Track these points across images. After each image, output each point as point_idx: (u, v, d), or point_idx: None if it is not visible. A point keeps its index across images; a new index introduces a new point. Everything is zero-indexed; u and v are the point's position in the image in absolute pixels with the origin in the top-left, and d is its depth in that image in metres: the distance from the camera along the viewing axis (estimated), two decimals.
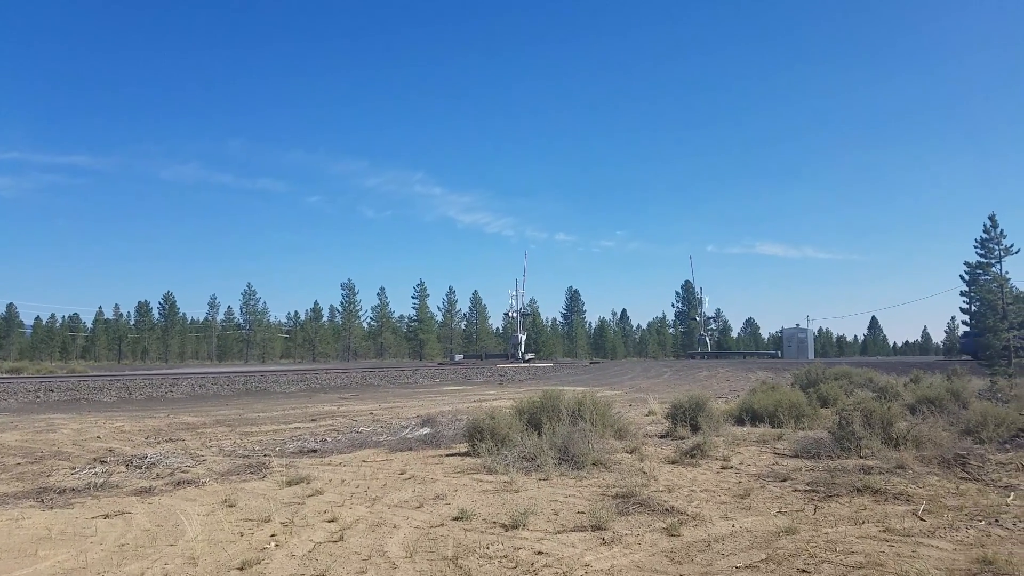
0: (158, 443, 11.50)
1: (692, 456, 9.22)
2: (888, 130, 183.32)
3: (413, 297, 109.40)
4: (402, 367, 57.72)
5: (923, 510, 6.31)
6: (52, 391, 24.62)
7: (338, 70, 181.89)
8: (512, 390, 27.31)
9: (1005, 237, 35.41)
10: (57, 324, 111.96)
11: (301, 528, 5.88)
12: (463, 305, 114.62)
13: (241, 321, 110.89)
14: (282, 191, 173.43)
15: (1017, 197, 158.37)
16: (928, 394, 14.22)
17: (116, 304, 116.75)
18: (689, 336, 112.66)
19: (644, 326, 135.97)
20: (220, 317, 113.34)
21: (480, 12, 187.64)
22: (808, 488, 7.36)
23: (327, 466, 9.06)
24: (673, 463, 8.97)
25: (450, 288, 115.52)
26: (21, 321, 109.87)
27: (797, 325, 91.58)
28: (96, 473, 8.52)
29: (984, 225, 36.06)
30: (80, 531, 5.89)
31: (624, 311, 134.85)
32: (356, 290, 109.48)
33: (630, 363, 69.22)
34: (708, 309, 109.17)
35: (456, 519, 6.13)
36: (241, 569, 4.79)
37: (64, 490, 7.56)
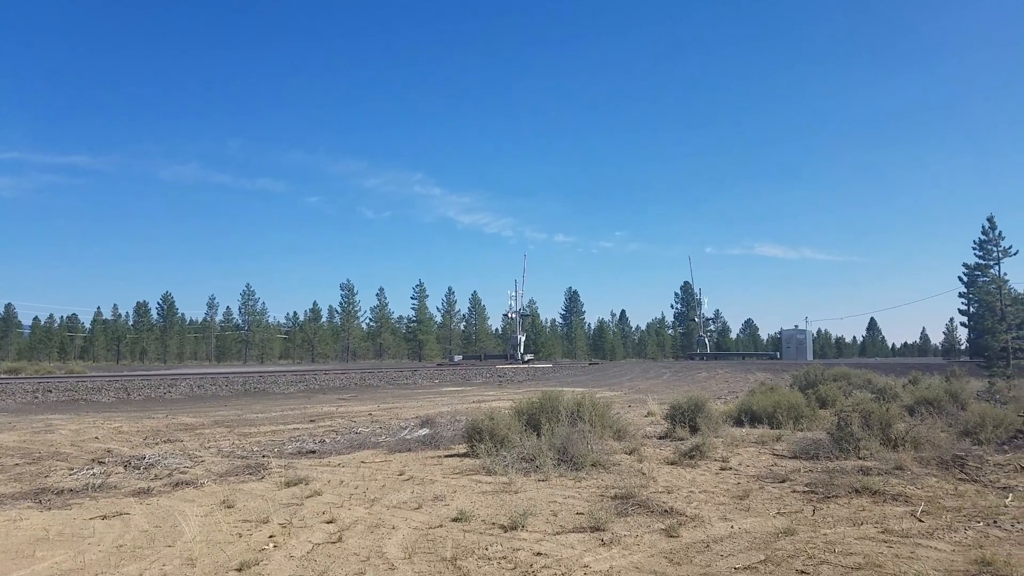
0: (156, 444, 11.49)
1: (691, 457, 9.22)
2: (888, 130, 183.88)
3: (412, 298, 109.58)
4: (401, 368, 57.72)
5: (921, 511, 6.31)
6: (50, 391, 24.59)
7: (338, 70, 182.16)
8: (511, 391, 27.31)
9: (1004, 239, 35.48)
10: (55, 324, 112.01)
11: (299, 529, 5.87)
12: (462, 306, 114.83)
13: (240, 322, 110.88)
14: (281, 191, 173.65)
15: (1017, 197, 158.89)
16: (927, 395, 14.24)
17: (115, 304, 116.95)
18: (688, 337, 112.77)
19: (643, 327, 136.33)
20: (219, 317, 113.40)
21: (480, 12, 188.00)
22: (807, 489, 7.37)
23: (326, 467, 9.05)
24: (672, 464, 8.97)
25: (449, 289, 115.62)
26: (19, 321, 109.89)
27: (796, 326, 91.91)
28: (94, 474, 8.51)
29: (982, 227, 36.15)
30: (78, 532, 5.87)
31: (623, 312, 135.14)
32: (355, 291, 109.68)
33: (629, 364, 69.24)
34: (707, 310, 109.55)
35: (455, 520, 6.13)
36: (239, 570, 4.79)
37: (62, 491, 7.55)
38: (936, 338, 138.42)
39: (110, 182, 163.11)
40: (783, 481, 7.85)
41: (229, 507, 6.69)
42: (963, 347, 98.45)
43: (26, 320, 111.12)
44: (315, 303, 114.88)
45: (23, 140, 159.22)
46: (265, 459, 9.66)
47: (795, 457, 9.42)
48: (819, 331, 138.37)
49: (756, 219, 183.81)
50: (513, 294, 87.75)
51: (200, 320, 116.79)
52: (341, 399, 23.34)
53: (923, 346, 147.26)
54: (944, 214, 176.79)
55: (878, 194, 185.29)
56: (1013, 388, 18.69)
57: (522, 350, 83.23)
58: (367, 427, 13.86)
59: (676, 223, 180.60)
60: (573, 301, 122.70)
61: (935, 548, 5.21)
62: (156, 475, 8.47)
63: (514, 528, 5.78)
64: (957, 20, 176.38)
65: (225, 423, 15.05)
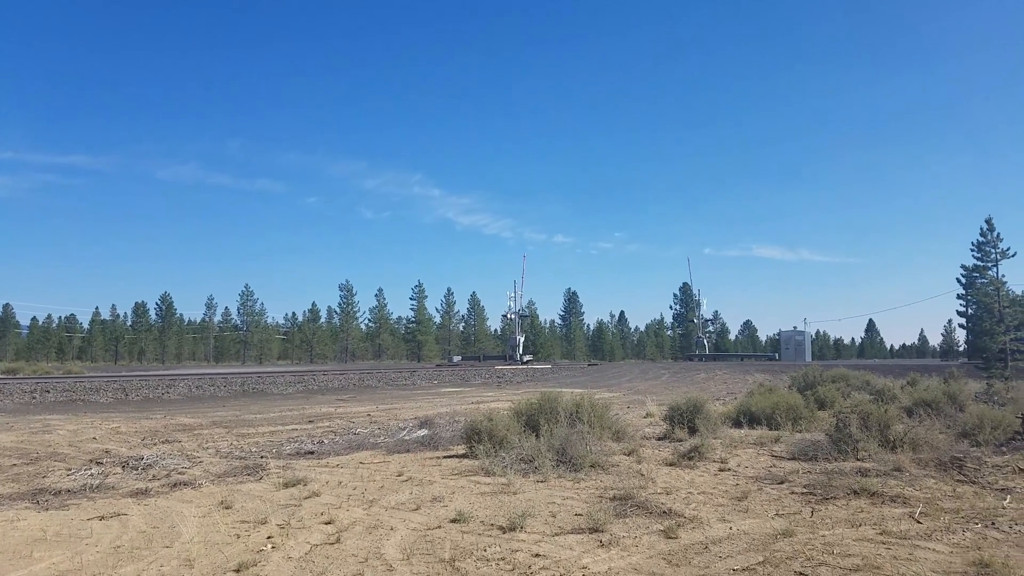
0: (154, 444, 11.48)
1: (690, 458, 9.22)
2: (888, 130, 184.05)
3: (411, 299, 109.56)
4: (400, 369, 57.69)
5: (920, 513, 6.32)
6: (48, 392, 24.56)
7: (338, 70, 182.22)
8: (510, 392, 27.30)
9: (1002, 240, 35.54)
10: (54, 325, 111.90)
11: (298, 530, 5.87)
12: (461, 307, 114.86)
13: (238, 322, 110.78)
14: (280, 192, 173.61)
15: (1017, 197, 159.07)
16: (925, 397, 14.26)
17: (113, 305, 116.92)
18: (687, 338, 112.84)
19: (642, 328, 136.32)
20: (217, 318, 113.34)
21: (480, 12, 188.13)
22: (805, 490, 7.37)
23: (324, 468, 9.04)
24: (671, 465, 8.97)
25: (448, 290, 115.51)
26: (17, 321, 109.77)
27: (794, 328, 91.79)
28: (92, 474, 8.50)
29: (981, 229, 36.21)
30: (76, 532, 5.86)
31: (622, 313, 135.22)
32: (354, 291, 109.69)
33: (628, 365, 69.27)
34: (706, 311, 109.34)
35: (453, 521, 6.12)
36: (237, 571, 4.78)
37: (60, 491, 7.54)
38: (934, 340, 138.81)
39: (109, 182, 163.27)
40: (782, 482, 7.85)
41: (227, 508, 6.69)
42: (961, 349, 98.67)
43: (24, 320, 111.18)
44: (314, 304, 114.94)
45: (22, 140, 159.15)
46: (263, 460, 9.65)
47: (794, 458, 9.42)
48: (818, 332, 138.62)
49: (755, 220, 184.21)
50: (512, 295, 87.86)
51: (198, 320, 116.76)
52: (340, 400, 23.32)
53: (921, 348, 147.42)
54: (943, 215, 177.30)
55: (877, 195, 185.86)
56: (1011, 389, 18.70)
57: (521, 351, 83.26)
58: (365, 428, 13.85)
59: (675, 224, 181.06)
60: (572, 302, 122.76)
61: (933, 550, 5.21)
62: (154, 476, 8.46)
63: (513, 529, 5.77)
64: (957, 20, 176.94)
65: (223, 424, 15.04)
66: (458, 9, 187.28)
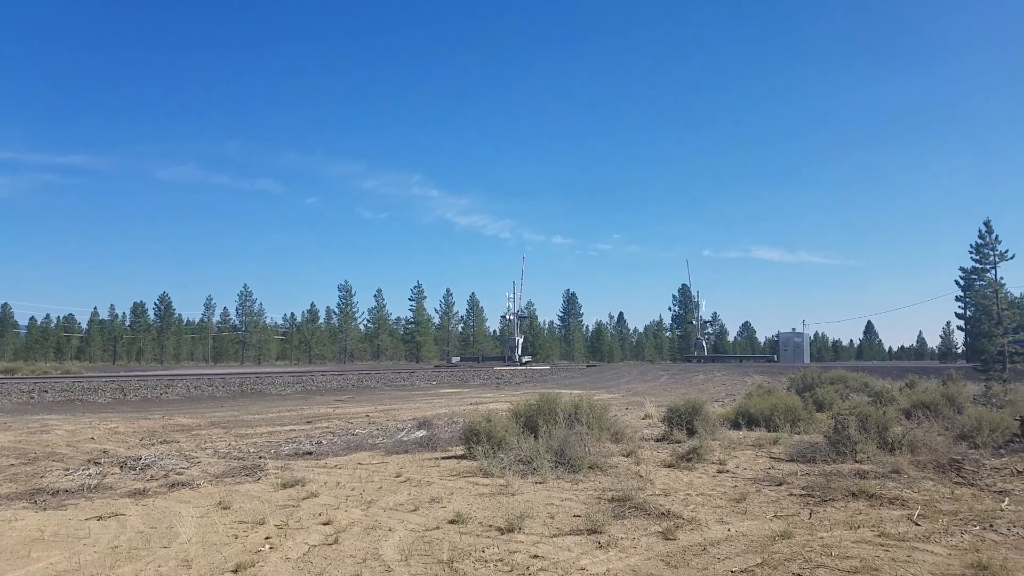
0: (152, 445, 11.46)
1: (688, 460, 9.22)
2: (888, 130, 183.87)
3: (410, 299, 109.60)
4: (398, 369, 57.67)
5: (918, 515, 6.32)
6: (46, 392, 24.53)
7: (337, 70, 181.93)
8: (509, 393, 27.30)
9: (1000, 242, 35.58)
10: (52, 324, 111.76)
11: (296, 531, 5.86)
12: (460, 308, 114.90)
13: (237, 322, 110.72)
14: (279, 192, 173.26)
15: (1016, 198, 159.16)
16: (923, 399, 14.26)
17: (112, 305, 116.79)
18: (686, 340, 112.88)
19: (641, 329, 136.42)
20: (216, 318, 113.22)
21: (480, 12, 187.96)
22: (804, 492, 7.37)
23: (322, 469, 9.03)
24: (669, 467, 8.98)
25: (447, 291, 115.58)
26: (16, 321, 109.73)
27: (793, 329, 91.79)
28: (90, 474, 8.48)
29: (979, 231, 36.24)
30: (73, 533, 5.86)
31: (621, 314, 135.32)
32: (353, 292, 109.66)
33: (627, 366, 69.27)
34: (705, 313, 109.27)
35: (452, 522, 6.12)
36: (235, 572, 4.77)
37: (58, 491, 7.53)
38: (933, 342, 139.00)
39: (108, 182, 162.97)
40: (780, 484, 7.85)
41: (225, 508, 6.68)
42: (960, 351, 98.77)
43: (22, 320, 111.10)
44: (313, 304, 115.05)
45: (21, 140, 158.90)
46: (261, 460, 9.64)
47: (792, 460, 9.43)
48: (816, 334, 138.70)
49: (754, 221, 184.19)
50: (511, 296, 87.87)
51: (197, 321, 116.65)
52: (338, 400, 23.30)
53: (920, 350, 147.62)
54: (943, 217, 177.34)
55: (877, 195, 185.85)
56: (1009, 392, 18.72)
57: (520, 352, 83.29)
58: (364, 429, 13.85)
59: (674, 225, 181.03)
60: (571, 303, 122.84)
61: (931, 552, 5.22)
62: (152, 476, 8.45)
63: (511, 530, 5.77)
64: (957, 20, 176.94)
65: (222, 424, 15.02)
66: (458, 9, 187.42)
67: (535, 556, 5.12)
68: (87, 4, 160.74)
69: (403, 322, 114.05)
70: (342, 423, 15.17)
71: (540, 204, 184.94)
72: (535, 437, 9.62)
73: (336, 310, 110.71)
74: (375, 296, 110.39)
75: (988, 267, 35.65)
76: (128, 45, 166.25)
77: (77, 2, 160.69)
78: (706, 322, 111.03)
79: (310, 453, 10.47)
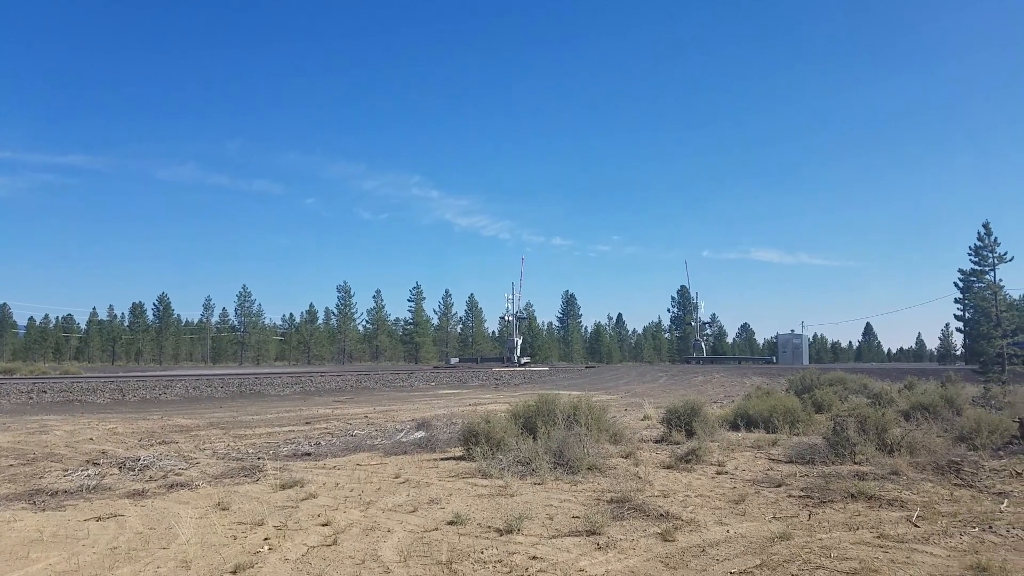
0: (151, 445, 11.45)
1: (687, 461, 9.22)
2: (888, 131, 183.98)
3: (409, 300, 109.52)
4: (397, 370, 57.63)
5: (917, 516, 6.33)
6: (45, 392, 24.50)
7: (337, 70, 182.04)
8: (507, 394, 27.29)
9: (999, 244, 35.61)
10: (51, 325, 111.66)
11: (295, 532, 5.86)
12: (459, 309, 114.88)
13: (236, 323, 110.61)
14: (279, 193, 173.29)
15: (1016, 199, 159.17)
16: (922, 400, 14.27)
17: (110, 305, 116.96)
18: (685, 341, 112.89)
19: (640, 331, 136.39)
20: (215, 319, 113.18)
21: (480, 12, 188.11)
22: (803, 494, 7.37)
23: (321, 469, 9.03)
24: (668, 468, 8.98)
25: (446, 291, 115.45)
26: (15, 322, 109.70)
27: (792, 331, 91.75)
28: (89, 475, 8.47)
29: (978, 232, 36.28)
30: (72, 533, 5.85)
31: (620, 315, 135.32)
32: (352, 293, 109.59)
33: (626, 367, 69.24)
34: (703, 314, 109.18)
35: (450, 523, 6.12)
36: (234, 573, 4.77)
37: (56, 492, 7.52)
38: (932, 343, 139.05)
39: (107, 182, 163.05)
40: (779, 486, 7.86)
41: (224, 509, 6.67)
42: (959, 353, 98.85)
43: (21, 320, 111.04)
44: (311, 305, 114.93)
45: (20, 140, 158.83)
46: (260, 461, 9.63)
47: (791, 462, 9.43)
48: (815, 336, 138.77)
49: (753, 222, 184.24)
50: (510, 297, 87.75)
51: (196, 321, 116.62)
52: (337, 401, 23.29)
53: (919, 351, 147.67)
54: (942, 218, 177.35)
55: (876, 196, 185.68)
56: (1008, 394, 18.73)
57: (519, 353, 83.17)
58: (363, 429, 13.84)
59: (673, 226, 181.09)
60: (570, 304, 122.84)
61: (931, 553, 5.22)
62: (151, 477, 8.45)
63: (510, 532, 5.77)
64: (957, 20, 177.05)
65: (220, 425, 15.01)
66: (458, 9, 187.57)
67: (534, 557, 5.12)
68: (87, 4, 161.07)
69: (402, 323, 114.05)
70: (341, 424, 15.16)
71: (540, 205, 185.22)
72: (534, 438, 9.62)
73: (335, 311, 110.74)
74: (374, 297, 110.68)
75: (987, 269, 35.69)
76: (128, 45, 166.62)
77: (77, 2, 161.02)
78: (705, 323, 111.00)
79: (309, 454, 10.46)
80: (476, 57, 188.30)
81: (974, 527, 5.99)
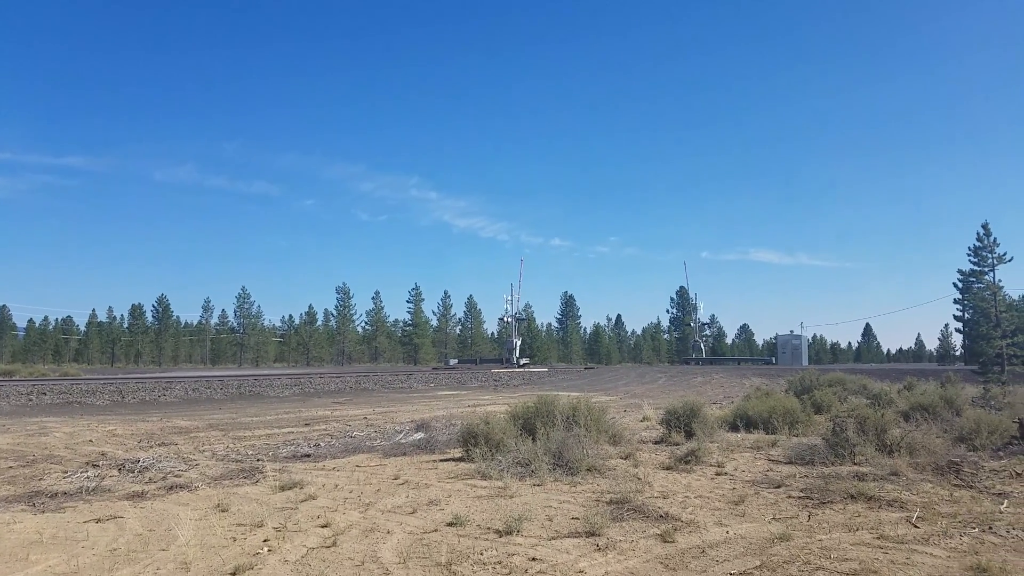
0: (151, 447, 11.45)
1: (686, 462, 9.22)
2: (888, 131, 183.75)
3: (408, 301, 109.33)
4: (396, 372, 57.60)
5: (917, 517, 6.33)
6: (44, 394, 24.47)
7: (337, 70, 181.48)
8: (507, 395, 27.28)
9: (998, 245, 35.68)
10: (50, 326, 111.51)
11: (294, 533, 5.86)
12: (458, 310, 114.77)
13: (235, 324, 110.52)
14: (277, 194, 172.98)
15: (1016, 200, 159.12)
16: (922, 401, 14.27)
17: (110, 307, 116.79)
18: (684, 342, 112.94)
19: (639, 332, 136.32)
20: (214, 320, 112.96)
21: (480, 12, 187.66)
22: (802, 495, 7.37)
23: (321, 471, 9.02)
24: (668, 469, 8.98)
25: (445, 293, 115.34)
26: (14, 323, 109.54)
27: (791, 332, 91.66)
28: (88, 477, 8.47)
29: (977, 233, 36.34)
30: (72, 535, 5.85)
31: (619, 316, 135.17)
32: (351, 294, 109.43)
33: (625, 368, 69.23)
34: (703, 315, 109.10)
35: (450, 525, 6.12)
36: (234, 574, 4.77)
37: (56, 494, 7.51)
38: (931, 344, 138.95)
39: (106, 183, 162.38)
40: (778, 486, 7.86)
41: (223, 511, 6.67)
42: (958, 353, 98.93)
43: (20, 322, 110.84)
44: (311, 306, 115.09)
45: (19, 141, 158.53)
46: (260, 463, 9.63)
47: (790, 462, 9.43)
48: (814, 336, 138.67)
49: (752, 222, 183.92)
50: (509, 298, 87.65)
51: (195, 323, 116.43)
52: (336, 403, 23.28)
53: (918, 352, 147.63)
54: (942, 218, 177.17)
55: (875, 197, 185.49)
56: (1008, 394, 18.75)
57: (518, 354, 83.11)
58: (362, 431, 13.83)
59: (672, 227, 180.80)
60: (569, 305, 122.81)
61: (930, 554, 5.22)
62: (150, 478, 8.44)
63: (509, 533, 5.77)
64: (957, 20, 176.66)
65: (220, 426, 15.00)
66: (458, 9, 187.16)
67: (533, 559, 5.12)
68: (87, 4, 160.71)
69: (401, 324, 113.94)
70: (340, 425, 15.15)
71: (539, 206, 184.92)
72: (533, 439, 9.61)
73: (334, 312, 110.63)
74: (373, 298, 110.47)
75: (986, 270, 35.72)
76: (127, 45, 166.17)
77: (77, 2, 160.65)
78: (704, 324, 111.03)
79: (308, 455, 10.45)
80: (476, 57, 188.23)
81: (974, 528, 5.99)
